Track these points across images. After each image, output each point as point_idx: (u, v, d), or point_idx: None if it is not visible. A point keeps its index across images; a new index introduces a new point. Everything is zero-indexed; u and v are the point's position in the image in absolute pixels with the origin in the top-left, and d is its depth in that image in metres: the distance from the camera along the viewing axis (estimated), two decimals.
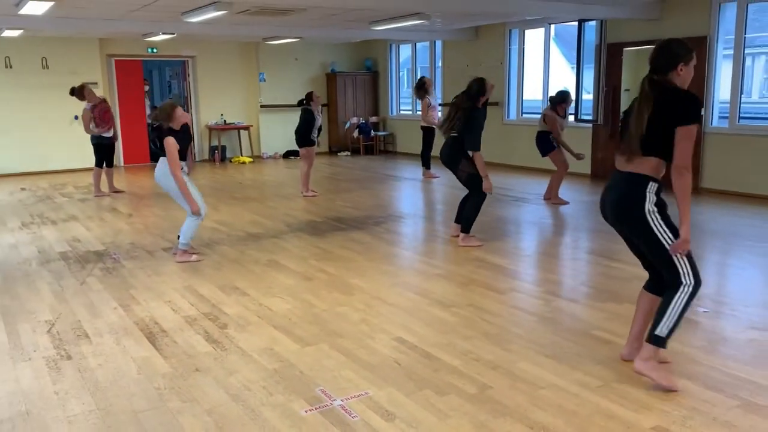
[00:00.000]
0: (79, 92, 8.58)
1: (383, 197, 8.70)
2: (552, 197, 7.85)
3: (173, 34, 10.19)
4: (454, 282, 4.77)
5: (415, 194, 9.30)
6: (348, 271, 5.04)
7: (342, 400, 2.92)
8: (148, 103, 13.43)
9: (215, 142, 13.10)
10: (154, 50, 12.38)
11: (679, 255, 2.93)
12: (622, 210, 3.02)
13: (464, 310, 4.13)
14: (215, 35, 11.36)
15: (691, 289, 2.94)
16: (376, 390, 3.02)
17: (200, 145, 13.20)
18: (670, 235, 2.93)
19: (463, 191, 5.97)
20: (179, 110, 5.24)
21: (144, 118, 12.72)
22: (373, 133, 13.98)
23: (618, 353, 3.35)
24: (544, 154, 7.87)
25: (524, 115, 11.17)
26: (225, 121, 13.18)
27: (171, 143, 5.13)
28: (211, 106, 13.10)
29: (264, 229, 6.60)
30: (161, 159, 5.27)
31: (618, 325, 3.77)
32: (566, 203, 7.72)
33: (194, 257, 5.42)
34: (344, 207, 7.80)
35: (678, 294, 2.95)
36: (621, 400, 2.89)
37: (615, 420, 2.72)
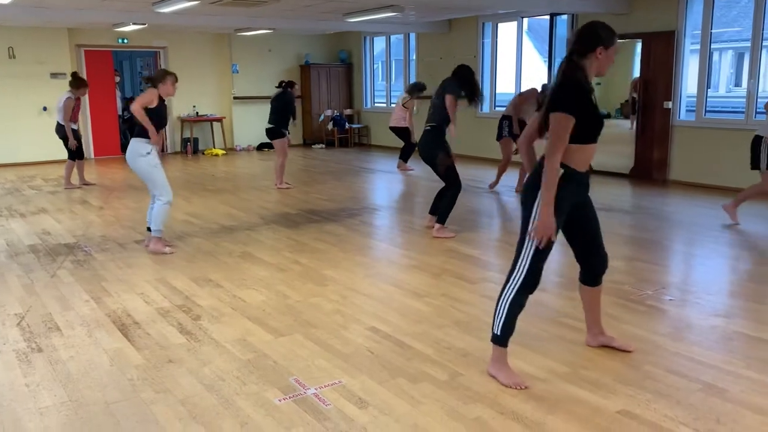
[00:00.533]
0: (77, 82, 8.47)
1: (358, 189, 8.72)
2: (518, 185, 8.06)
3: (144, 24, 10.06)
4: (427, 272, 4.82)
5: (390, 186, 9.34)
6: (322, 262, 5.06)
7: (316, 389, 2.95)
8: (119, 94, 13.24)
9: (187, 134, 12.98)
10: (125, 41, 12.21)
11: (528, 248, 2.85)
12: (526, 190, 2.95)
13: (437, 299, 4.18)
14: (187, 26, 11.24)
15: (518, 284, 2.89)
16: (350, 379, 3.05)
17: (172, 137, 13.07)
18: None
19: (439, 183, 6.03)
20: (173, 80, 5.22)
21: (115, 110, 12.55)
22: (347, 125, 13.97)
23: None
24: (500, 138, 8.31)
25: (497, 108, 11.26)
26: (197, 112, 13.06)
27: (147, 95, 5.13)
28: (183, 97, 12.92)
29: (237, 222, 6.58)
30: (132, 140, 5.25)
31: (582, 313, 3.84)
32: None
33: (167, 249, 5.39)
34: (319, 199, 7.81)
35: (507, 286, 2.94)
36: (588, 386, 2.96)
37: (582, 404, 2.79)
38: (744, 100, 8.07)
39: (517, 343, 3.45)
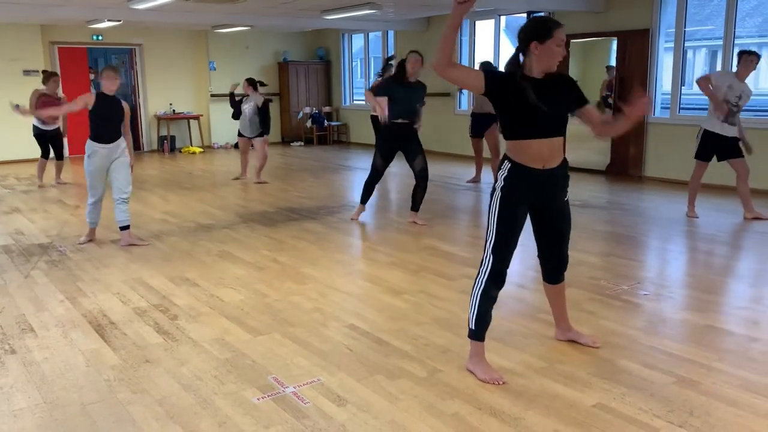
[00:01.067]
0: (43, 75, 8.38)
1: (337, 187, 8.71)
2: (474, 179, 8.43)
3: (119, 21, 9.94)
4: (406, 270, 4.83)
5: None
6: (301, 260, 5.05)
7: (294, 387, 2.94)
8: (93, 91, 13.04)
9: (164, 132, 12.85)
10: (100, 37, 12.05)
11: (490, 239, 2.95)
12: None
13: (416, 296, 4.20)
14: (163, 22, 11.12)
15: (485, 276, 2.95)
16: (328, 376, 3.06)
17: (149, 135, 12.93)
18: (496, 222, 2.95)
19: (413, 180, 6.11)
20: (109, 73, 5.25)
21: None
22: (326, 123, 13.94)
23: None
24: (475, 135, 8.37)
25: None
26: (174, 110, 12.94)
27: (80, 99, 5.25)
28: (159, 95, 12.83)
29: (215, 220, 6.54)
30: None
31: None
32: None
33: (138, 241, 5.45)
34: (297, 197, 7.79)
35: (476, 281, 3.01)
36: (564, 380, 3.00)
37: (559, 399, 2.83)
38: None
39: (494, 338, 3.48)
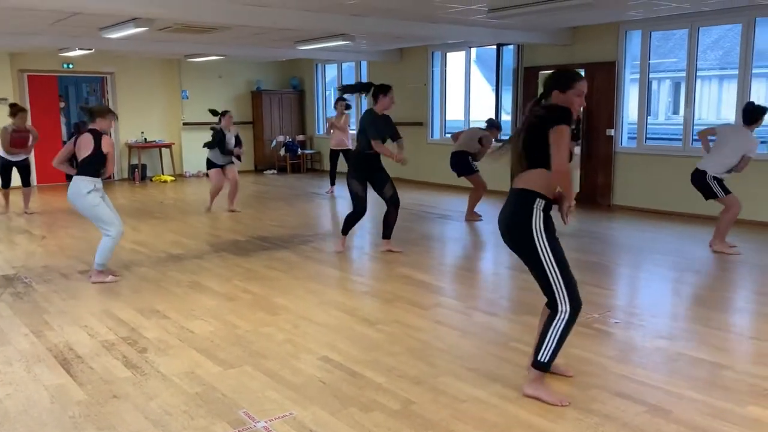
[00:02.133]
0: (11, 109, 8.29)
1: (310, 215, 8.69)
2: (467, 214, 8.04)
3: (91, 49, 9.89)
4: (380, 299, 4.82)
5: (342, 212, 9.31)
6: (273, 290, 5.00)
7: (266, 422, 2.89)
8: (63, 120, 12.92)
9: (135, 161, 12.73)
10: (70, 66, 11.95)
11: (556, 279, 2.99)
12: (511, 229, 3.11)
13: (389, 326, 4.18)
14: (135, 51, 11.08)
15: (567, 315, 3.02)
16: (301, 410, 3.01)
17: (120, 163, 12.78)
18: (552, 258, 2.99)
19: (384, 208, 6.14)
20: (112, 117, 5.28)
21: (59, 136, 12.21)
22: (299, 151, 13.96)
23: None
24: (461, 174, 8.05)
25: (447, 135, 11.44)
26: (145, 139, 12.84)
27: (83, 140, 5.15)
28: (130, 123, 12.72)
29: (185, 250, 6.46)
30: (74, 178, 5.13)
31: (534, 337, 3.90)
32: (480, 218, 7.94)
33: (110, 278, 5.25)
34: (270, 225, 7.74)
35: (555, 320, 3.05)
36: (538, 410, 2.99)
37: (533, 429, 2.82)
38: (681, 127, 8.42)
39: (467, 368, 3.48)
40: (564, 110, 3.02)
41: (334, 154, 10.44)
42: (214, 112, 8.76)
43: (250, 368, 3.51)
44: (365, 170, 6.00)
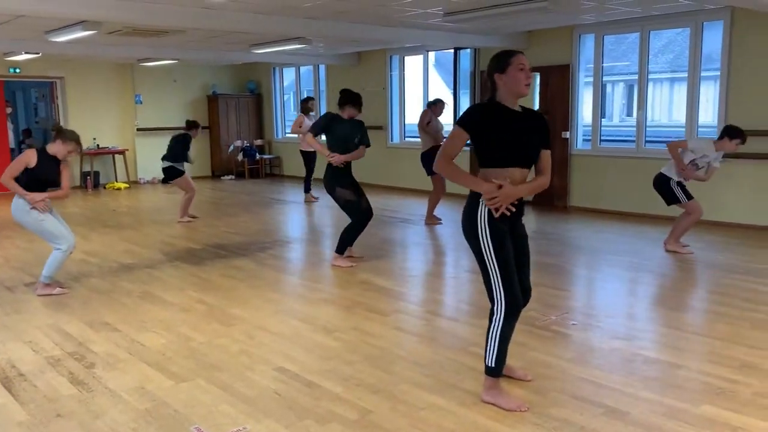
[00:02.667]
0: None
1: (268, 222, 8.56)
2: (427, 218, 8.03)
3: (37, 53, 9.56)
4: (339, 306, 4.75)
5: (302, 218, 9.23)
6: (229, 300, 4.88)
7: None
8: (11, 126, 12.49)
9: (87, 168, 12.37)
10: (17, 70, 11.55)
11: (495, 275, 2.94)
12: (463, 224, 3.06)
13: (348, 334, 4.11)
14: (85, 55, 10.77)
15: (503, 314, 2.95)
16: (255, 423, 2.92)
17: (71, 170, 12.39)
18: (493, 253, 2.93)
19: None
20: (74, 147, 5.12)
21: (6, 143, 11.80)
22: (258, 156, 13.77)
23: None
24: (430, 173, 8.01)
25: (407, 139, 11.45)
26: (98, 145, 12.49)
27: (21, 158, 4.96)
28: (82, 129, 12.16)
29: (138, 259, 6.27)
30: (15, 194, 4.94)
31: None
32: (440, 222, 7.93)
33: (57, 290, 5.06)
34: (227, 233, 7.59)
35: (493, 320, 3.00)
36: (497, 416, 2.97)
37: None
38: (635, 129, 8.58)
39: (426, 374, 3.44)
40: (470, 108, 3.09)
41: (308, 156, 10.22)
42: (188, 123, 8.45)
43: (204, 381, 3.40)
44: (345, 175, 5.79)
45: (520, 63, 2.98)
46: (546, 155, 3.09)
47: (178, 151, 8.19)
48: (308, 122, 9.88)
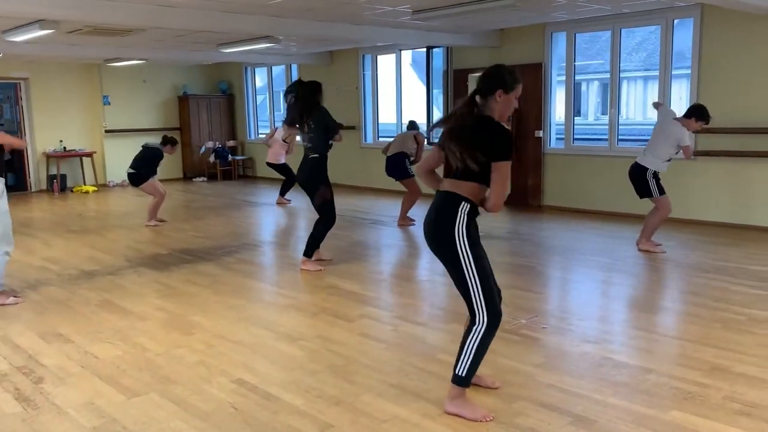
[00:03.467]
0: None
1: (238, 225, 8.38)
2: (400, 219, 7.90)
3: None
4: (304, 312, 4.61)
5: (272, 221, 9.06)
6: (191, 307, 4.71)
7: None
8: None
9: (54, 171, 12.07)
10: None
11: (475, 288, 2.86)
12: (435, 231, 2.95)
13: (311, 342, 3.98)
14: (50, 55, 10.48)
15: (484, 328, 2.87)
16: None
17: (36, 174, 12.11)
18: (473, 265, 2.84)
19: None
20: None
21: None
22: (230, 157, 13.56)
23: None
24: (400, 178, 7.90)
25: (380, 139, 11.32)
26: (65, 147, 12.19)
27: None
28: (48, 131, 12.07)
29: (101, 265, 6.07)
30: None
31: None
32: (413, 223, 7.82)
33: (11, 300, 4.85)
34: (194, 237, 7.40)
35: (472, 332, 2.90)
36: (462, 428, 2.86)
37: None
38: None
39: (391, 384, 3.32)
40: (509, 141, 2.88)
41: (278, 168, 9.99)
42: (165, 139, 8.18)
43: (157, 396, 3.24)
44: (326, 174, 5.66)
45: (519, 92, 2.93)
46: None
47: (144, 165, 8.00)
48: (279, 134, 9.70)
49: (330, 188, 5.68)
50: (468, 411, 2.93)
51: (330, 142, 5.69)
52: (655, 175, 5.99)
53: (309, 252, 5.74)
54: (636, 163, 6.10)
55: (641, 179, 6.04)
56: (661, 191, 6.04)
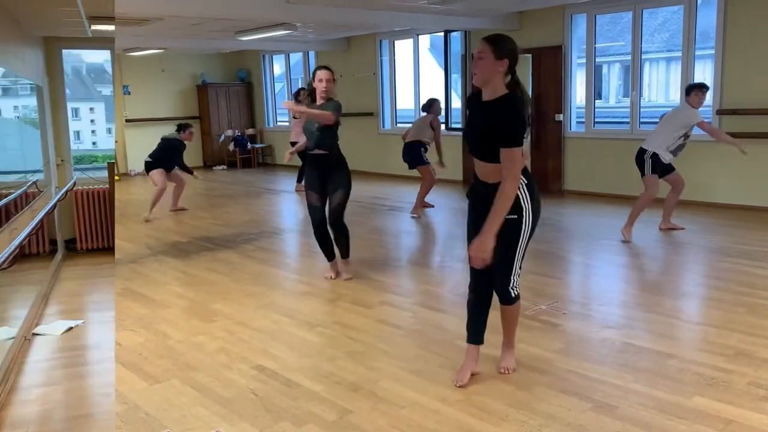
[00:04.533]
0: None
1: (258, 212, 8.43)
2: (415, 207, 7.70)
3: None
4: (322, 299, 4.63)
5: (291, 208, 9.09)
6: (211, 295, 4.75)
7: None
8: None
9: None
10: None
11: (518, 264, 3.05)
12: None
13: (330, 329, 3.99)
14: None
15: (517, 301, 3.20)
16: (229, 427, 2.80)
17: None
18: (527, 242, 3.02)
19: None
20: None
21: None
22: (249, 145, 13.61)
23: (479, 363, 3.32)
24: (413, 166, 7.82)
25: (398, 125, 11.27)
26: None
27: None
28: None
29: (122, 254, 6.15)
30: None
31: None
32: (432, 206, 7.77)
33: None
34: (214, 225, 7.46)
35: (508, 311, 3.24)
36: (481, 414, 2.85)
37: None
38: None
39: (409, 370, 3.33)
40: (520, 119, 2.91)
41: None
42: (180, 126, 8.22)
43: (179, 382, 3.28)
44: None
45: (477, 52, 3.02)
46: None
47: (161, 155, 8.05)
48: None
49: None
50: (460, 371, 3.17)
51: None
52: (654, 157, 5.89)
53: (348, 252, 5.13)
54: (640, 147, 6.06)
55: (639, 159, 5.99)
56: (651, 171, 5.89)
